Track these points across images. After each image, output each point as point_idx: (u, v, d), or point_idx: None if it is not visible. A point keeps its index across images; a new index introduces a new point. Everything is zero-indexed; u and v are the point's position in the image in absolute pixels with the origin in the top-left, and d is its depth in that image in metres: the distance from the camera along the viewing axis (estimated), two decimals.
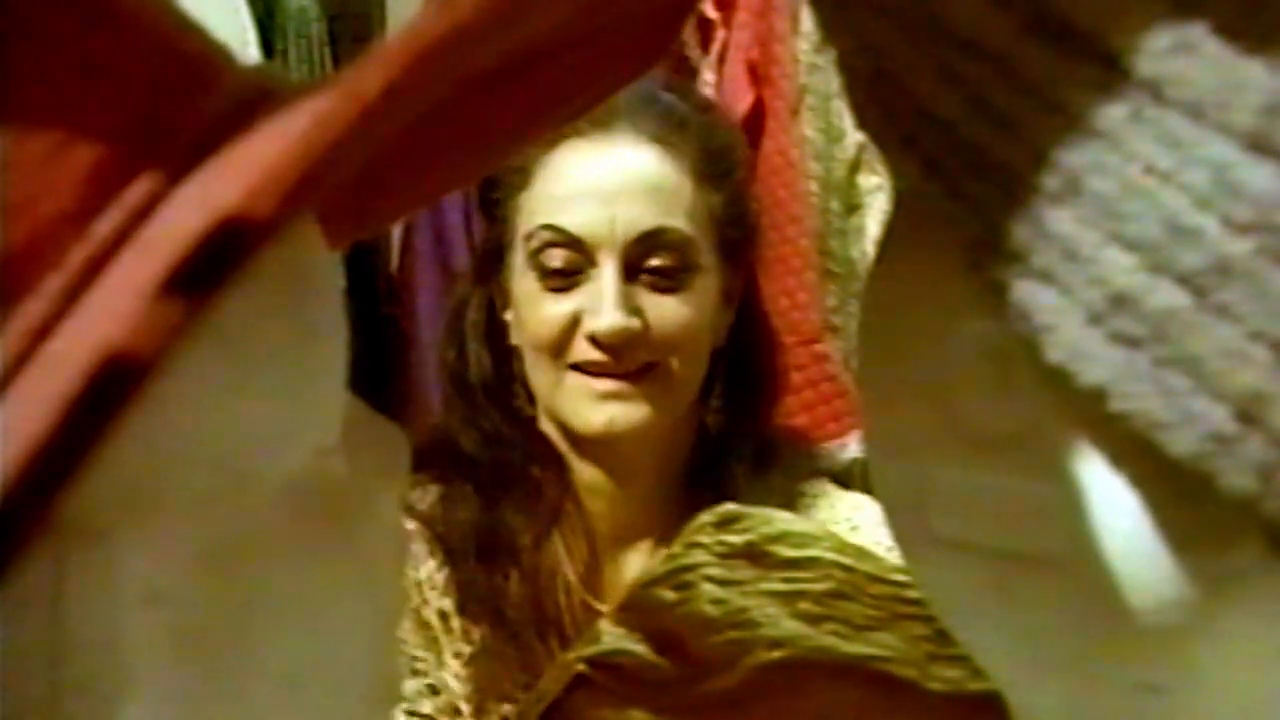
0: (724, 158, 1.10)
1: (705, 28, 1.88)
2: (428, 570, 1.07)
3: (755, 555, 0.58)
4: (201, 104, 0.35)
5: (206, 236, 0.29)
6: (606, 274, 1.04)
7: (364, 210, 0.45)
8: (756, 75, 1.86)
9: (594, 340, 1.04)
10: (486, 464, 1.11)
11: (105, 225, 0.33)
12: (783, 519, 0.60)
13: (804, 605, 0.57)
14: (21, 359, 0.31)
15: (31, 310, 0.31)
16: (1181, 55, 0.33)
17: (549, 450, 1.11)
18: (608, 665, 0.58)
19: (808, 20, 1.82)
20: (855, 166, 1.86)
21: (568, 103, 0.47)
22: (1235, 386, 0.33)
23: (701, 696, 0.56)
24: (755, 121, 1.85)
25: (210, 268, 0.29)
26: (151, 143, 0.34)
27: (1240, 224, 0.33)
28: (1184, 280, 0.33)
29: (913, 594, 0.55)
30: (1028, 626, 0.41)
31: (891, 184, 0.42)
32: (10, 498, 0.28)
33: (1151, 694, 0.39)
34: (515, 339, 1.12)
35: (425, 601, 1.07)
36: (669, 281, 1.05)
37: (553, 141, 1.05)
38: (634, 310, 1.04)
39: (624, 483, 1.10)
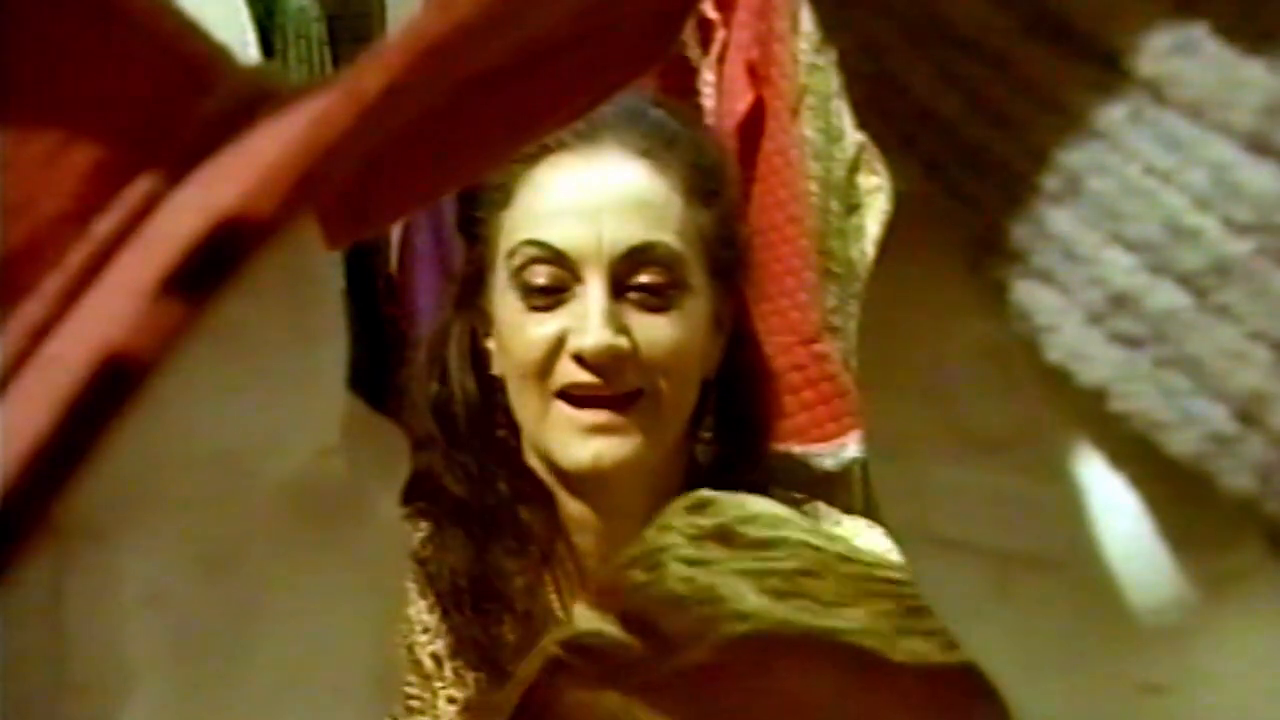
0: (714, 175, 1.06)
1: (705, 28, 1.87)
2: (418, 610, 1.04)
3: (726, 536, 0.59)
4: (201, 104, 0.35)
5: (206, 236, 0.29)
6: (593, 291, 1.00)
7: (364, 210, 0.45)
8: (756, 75, 1.85)
9: (580, 361, 0.99)
10: (473, 505, 1.06)
11: (105, 225, 0.33)
12: (755, 503, 0.61)
13: (772, 582, 0.57)
14: (21, 359, 0.31)
15: (31, 310, 0.31)
16: (1181, 55, 0.33)
17: (536, 487, 1.06)
18: (581, 647, 0.59)
19: (808, 20, 1.82)
20: (855, 166, 1.86)
21: (568, 103, 0.47)
22: (1235, 386, 0.33)
23: (671, 674, 0.57)
24: (755, 121, 1.85)
25: (210, 268, 0.29)
26: (151, 143, 0.34)
27: (1240, 224, 0.33)
28: (1184, 280, 0.33)
29: (882, 573, 0.56)
30: (1028, 626, 0.41)
31: (891, 184, 0.42)
32: (10, 498, 0.28)
33: (1151, 694, 0.39)
34: (498, 369, 1.07)
35: (418, 642, 1.04)
36: (658, 300, 1.01)
37: (535, 156, 1.02)
38: (621, 329, 1.00)
39: (613, 518, 1.05)
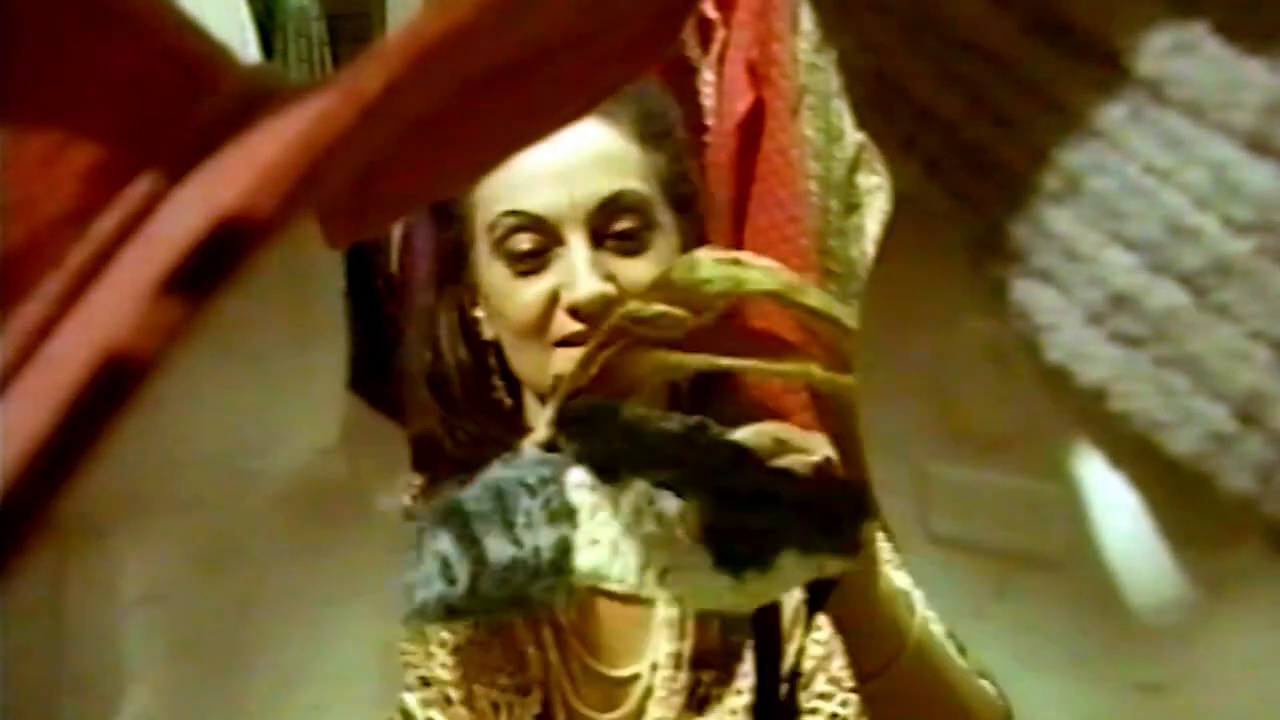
0: (662, 119, 1.13)
1: (705, 28, 1.87)
2: None
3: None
4: (201, 104, 0.35)
5: (206, 236, 0.29)
6: (576, 246, 1.06)
7: (364, 210, 0.45)
8: (756, 75, 1.85)
9: (575, 313, 1.06)
10: (471, 464, 1.09)
11: (105, 225, 0.33)
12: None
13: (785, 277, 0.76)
14: (21, 359, 0.31)
15: (31, 310, 0.31)
16: (1181, 55, 0.33)
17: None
18: (640, 320, 0.74)
19: (808, 20, 1.81)
20: (855, 166, 1.86)
21: (568, 103, 0.47)
22: (1235, 386, 0.33)
23: (700, 328, 0.74)
24: (755, 121, 1.84)
25: (210, 268, 0.29)
26: (152, 143, 0.34)
27: (1240, 224, 0.33)
28: (1184, 280, 0.33)
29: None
30: (1028, 626, 0.41)
31: (891, 184, 0.42)
32: (10, 498, 0.28)
33: (1151, 694, 0.39)
34: (489, 333, 1.14)
35: None
36: (633, 243, 1.08)
37: None
38: (608, 276, 1.06)
39: None
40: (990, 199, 0.35)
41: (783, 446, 0.76)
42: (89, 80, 0.34)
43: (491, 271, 1.10)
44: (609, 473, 0.69)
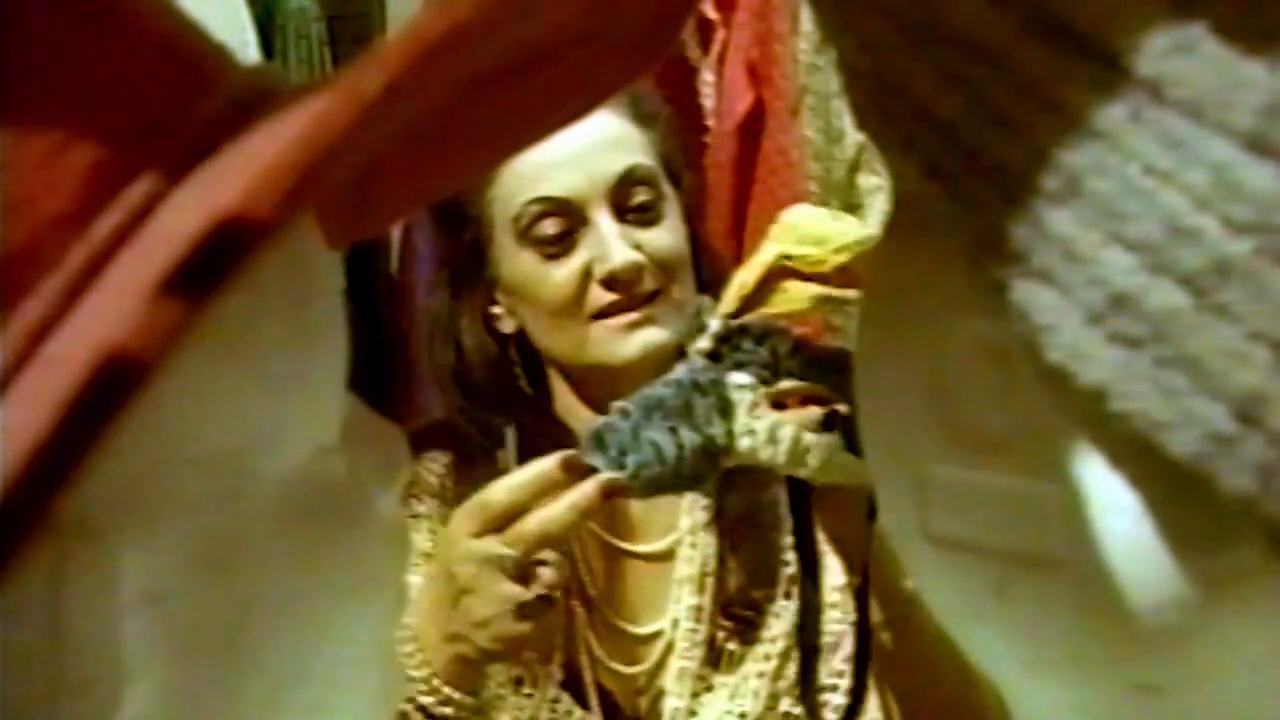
0: (650, 100, 1.22)
1: (705, 28, 1.87)
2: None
3: None
4: (201, 104, 0.35)
5: (206, 236, 0.29)
6: (603, 222, 1.13)
7: (364, 210, 0.45)
8: (756, 75, 1.85)
9: (609, 283, 1.13)
10: (498, 450, 1.19)
11: (105, 225, 0.33)
12: None
13: None
14: (21, 359, 0.31)
15: (31, 310, 0.31)
16: (1181, 55, 0.33)
17: (559, 426, 1.17)
18: (790, 255, 0.92)
19: (808, 20, 1.81)
20: (855, 166, 1.86)
21: (568, 103, 0.47)
22: (1235, 386, 0.33)
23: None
24: (755, 121, 1.85)
25: (210, 268, 0.29)
26: (151, 143, 0.34)
27: (1240, 224, 0.33)
28: (1184, 280, 0.33)
29: None
30: (1028, 626, 0.40)
31: (891, 184, 0.42)
32: (10, 498, 0.28)
33: (1151, 694, 0.39)
34: (508, 327, 1.20)
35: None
36: (650, 214, 1.16)
37: None
38: (635, 245, 1.14)
39: None
40: (990, 199, 0.35)
41: None
42: (89, 80, 0.34)
43: (519, 261, 1.16)
44: (768, 376, 0.90)
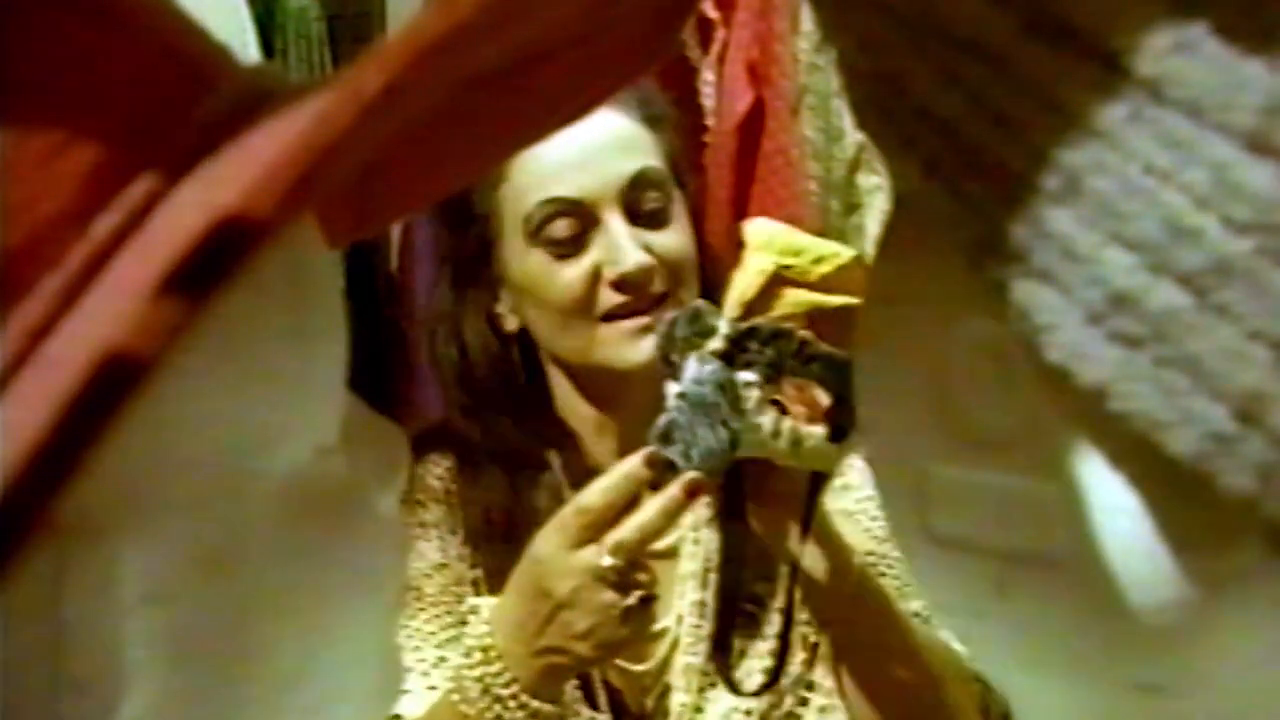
0: (658, 102, 1.22)
1: (705, 28, 1.87)
2: (450, 544, 1.18)
3: None
4: (202, 104, 0.35)
5: (206, 236, 0.29)
6: (614, 224, 1.14)
7: (364, 210, 0.45)
8: (756, 75, 1.85)
9: (619, 286, 1.13)
10: (499, 451, 1.20)
11: (105, 225, 0.33)
12: None
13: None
14: (21, 359, 0.31)
15: (31, 310, 0.31)
16: (1181, 55, 0.33)
17: (563, 431, 1.19)
18: (786, 266, 1.06)
19: (808, 20, 1.81)
20: (855, 166, 1.86)
21: (568, 103, 0.47)
22: (1235, 386, 0.33)
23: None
24: (755, 121, 1.85)
25: (210, 267, 0.29)
26: (151, 143, 0.34)
27: (1240, 224, 0.33)
28: (1184, 280, 0.33)
29: None
30: (1028, 626, 0.41)
31: (891, 184, 0.42)
32: (10, 498, 0.28)
33: (1151, 694, 0.39)
34: (511, 325, 1.20)
35: (459, 568, 1.17)
36: (660, 217, 1.16)
37: None
38: (645, 248, 1.14)
39: (634, 424, 1.15)
40: (990, 199, 0.35)
41: None
42: (89, 80, 0.34)
43: (529, 261, 1.16)
44: (773, 375, 0.98)
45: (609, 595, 0.98)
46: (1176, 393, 0.33)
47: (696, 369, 0.98)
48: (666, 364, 1.01)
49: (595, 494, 0.99)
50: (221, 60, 0.37)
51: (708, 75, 1.89)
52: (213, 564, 0.37)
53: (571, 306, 1.14)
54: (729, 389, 0.97)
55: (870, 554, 1.11)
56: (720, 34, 1.88)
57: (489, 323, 1.21)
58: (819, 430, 1.00)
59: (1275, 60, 0.33)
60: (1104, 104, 0.34)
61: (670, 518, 0.99)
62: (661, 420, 0.98)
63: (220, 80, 0.36)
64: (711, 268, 1.22)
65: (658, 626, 1.15)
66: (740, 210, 1.83)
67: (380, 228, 1.70)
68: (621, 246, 1.13)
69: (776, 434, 0.98)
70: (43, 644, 0.35)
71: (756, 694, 1.11)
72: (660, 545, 1.18)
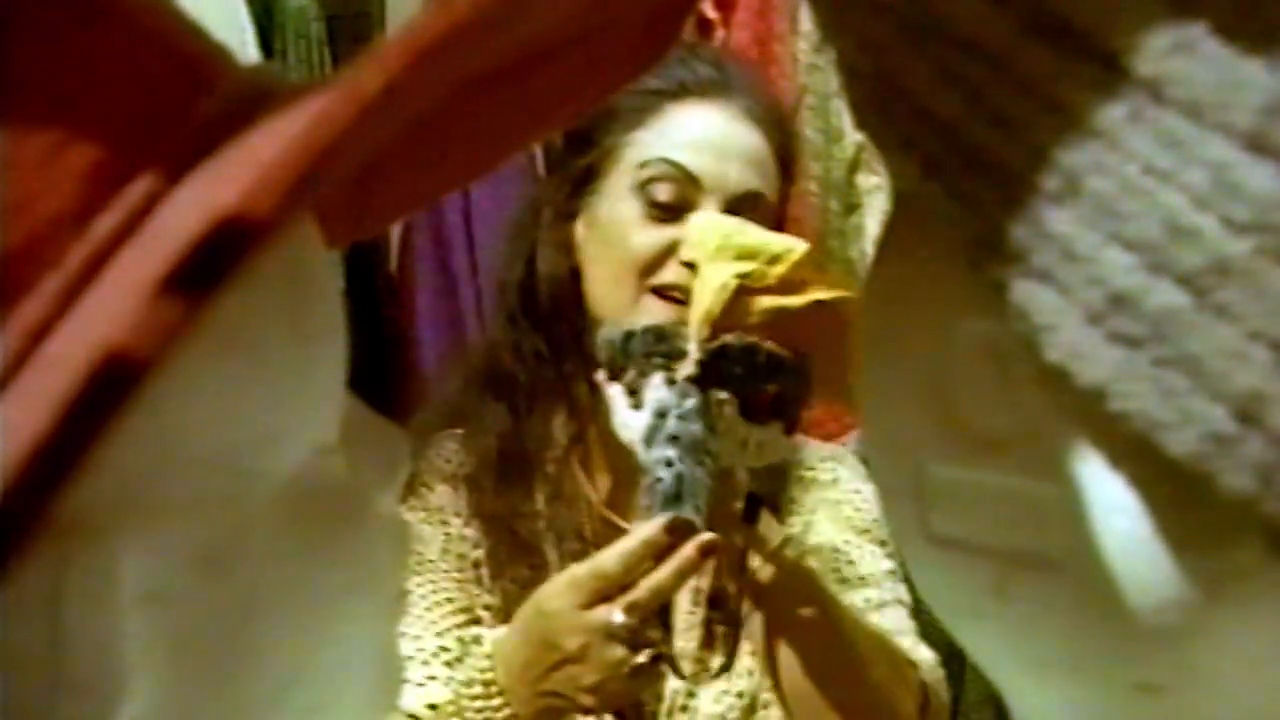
0: (791, 146, 1.26)
1: (705, 28, 1.87)
2: (457, 527, 1.19)
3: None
4: (201, 104, 0.35)
5: (206, 236, 0.29)
6: (709, 212, 1.15)
7: (364, 210, 0.45)
8: None
9: (691, 266, 1.13)
10: (524, 381, 1.22)
11: (105, 225, 0.33)
12: None
13: None
14: (21, 359, 0.31)
15: (31, 310, 0.31)
16: (1181, 55, 0.33)
17: (591, 371, 1.20)
18: (749, 276, 1.04)
19: (807, 20, 1.82)
20: (854, 166, 1.86)
21: (568, 103, 0.47)
22: (1235, 386, 0.33)
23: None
24: None
25: (210, 267, 0.29)
26: (151, 143, 0.34)
27: (1239, 223, 0.33)
28: (1183, 280, 0.33)
29: None
30: (1028, 626, 0.40)
31: (891, 184, 0.42)
32: (10, 497, 0.28)
33: (1150, 694, 0.39)
34: (578, 256, 1.21)
35: (454, 536, 1.19)
36: None
37: (675, 94, 1.20)
38: None
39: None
40: (989, 199, 0.35)
41: None
42: (89, 80, 0.34)
43: (621, 206, 1.18)
44: (741, 388, 1.01)
45: (620, 652, 0.99)
46: (1176, 393, 0.33)
47: (676, 402, 1.00)
48: (612, 375, 1.03)
49: (614, 560, 1.00)
50: (220, 60, 0.37)
51: None
52: (213, 564, 0.37)
53: (634, 264, 1.16)
54: (708, 415, 0.99)
55: (846, 541, 1.16)
56: (720, 34, 1.88)
57: (562, 248, 1.22)
58: (775, 427, 1.02)
59: (1275, 60, 0.33)
60: (1103, 104, 0.34)
61: (684, 578, 1.00)
62: (666, 479, 0.99)
63: (219, 80, 0.36)
64: None
65: None
66: None
67: (380, 228, 1.70)
68: None
69: (745, 443, 1.01)
70: (42, 643, 0.35)
71: (715, 676, 1.14)
72: None
